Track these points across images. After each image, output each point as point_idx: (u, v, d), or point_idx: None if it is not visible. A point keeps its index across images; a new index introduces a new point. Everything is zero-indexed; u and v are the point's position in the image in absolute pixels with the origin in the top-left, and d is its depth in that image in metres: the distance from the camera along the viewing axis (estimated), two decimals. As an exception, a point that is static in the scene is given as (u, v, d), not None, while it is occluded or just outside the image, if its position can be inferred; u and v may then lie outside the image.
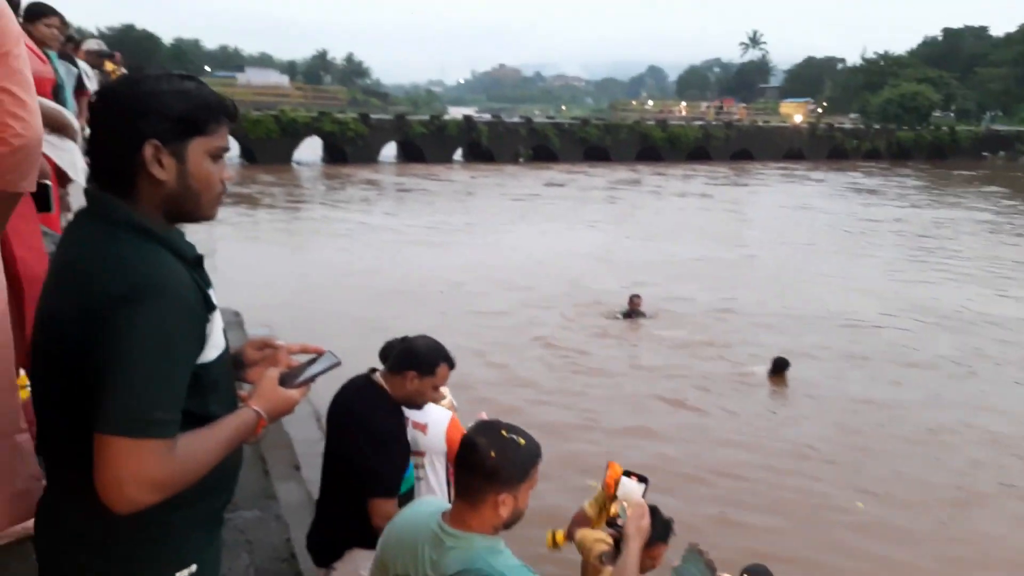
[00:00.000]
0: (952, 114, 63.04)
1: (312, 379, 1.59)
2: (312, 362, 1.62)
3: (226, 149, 1.46)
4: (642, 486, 2.41)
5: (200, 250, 1.45)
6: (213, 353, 1.42)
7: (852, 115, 61.83)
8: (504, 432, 1.80)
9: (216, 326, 1.43)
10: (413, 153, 34.93)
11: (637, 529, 2.15)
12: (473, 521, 1.78)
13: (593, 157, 37.88)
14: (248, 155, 31.25)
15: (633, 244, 16.07)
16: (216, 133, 1.41)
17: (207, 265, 1.48)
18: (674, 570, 2.90)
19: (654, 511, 2.53)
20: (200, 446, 1.35)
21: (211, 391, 1.41)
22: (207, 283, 1.44)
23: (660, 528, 2.48)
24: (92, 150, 1.39)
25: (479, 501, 1.76)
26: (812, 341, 9.40)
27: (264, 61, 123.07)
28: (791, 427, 7.04)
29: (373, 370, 2.76)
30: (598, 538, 2.68)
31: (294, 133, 31.85)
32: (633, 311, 10.26)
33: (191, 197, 1.40)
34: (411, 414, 2.83)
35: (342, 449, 2.66)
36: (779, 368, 7.98)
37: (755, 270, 13.78)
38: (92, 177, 1.42)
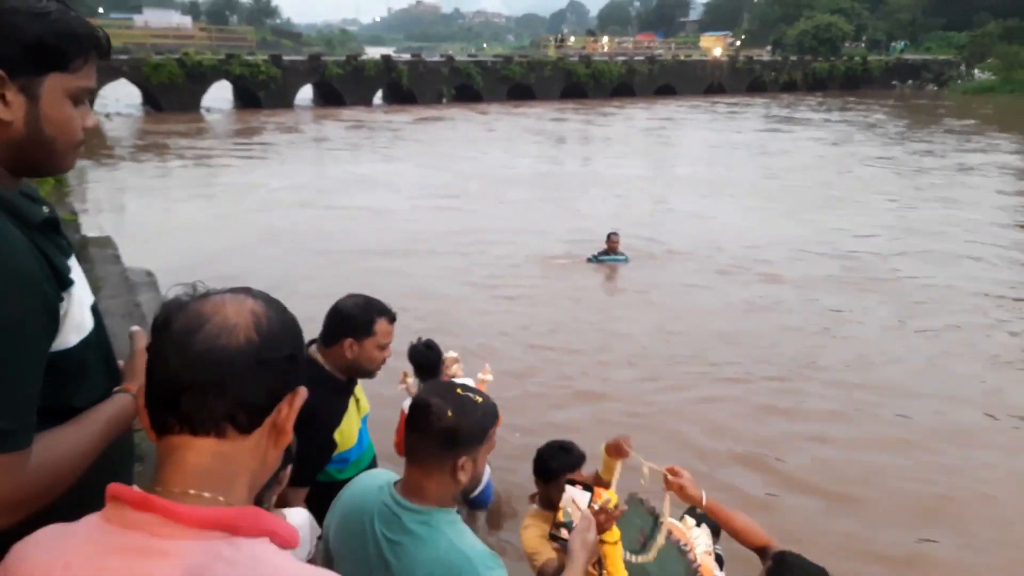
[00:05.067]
0: (863, 44, 64.64)
1: None
2: None
3: (91, 91, 1.21)
4: (586, 494, 2.24)
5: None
6: (73, 338, 1.19)
7: (768, 47, 62.65)
8: (460, 390, 1.65)
9: (77, 305, 1.20)
10: (331, 96, 33.53)
11: (583, 544, 1.97)
12: (430, 491, 1.61)
13: (517, 96, 37.26)
14: (152, 103, 29.33)
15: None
16: (81, 71, 1.16)
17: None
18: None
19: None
20: (64, 447, 1.14)
21: (75, 382, 1.20)
22: (63, 251, 1.20)
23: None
24: None
25: (437, 467, 1.60)
26: None
27: (163, 1, 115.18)
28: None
29: (308, 343, 2.50)
30: (536, 550, 2.58)
31: (200, 77, 29.96)
32: (611, 251, 9.53)
33: (43, 145, 1.15)
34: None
35: None
36: None
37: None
38: None
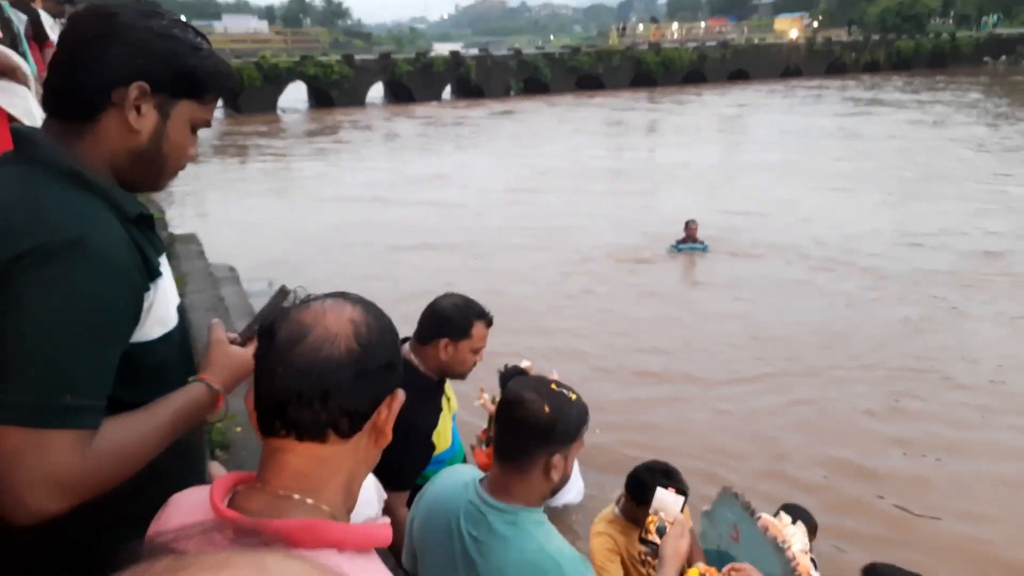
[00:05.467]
0: (951, 20, 61.19)
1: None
2: (266, 306, 1.41)
3: (207, 124, 1.31)
4: (680, 499, 2.11)
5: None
6: (156, 331, 1.21)
7: (845, 27, 60.04)
8: (554, 386, 1.59)
9: (163, 299, 1.22)
10: (401, 93, 33.94)
11: (675, 551, 1.90)
12: (519, 490, 1.56)
13: (586, 86, 36.83)
14: (232, 104, 30.35)
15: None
16: (208, 105, 1.28)
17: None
18: (705, 514, 2.76)
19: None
20: (130, 432, 1.13)
21: (152, 377, 1.20)
22: (156, 248, 1.24)
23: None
24: (57, 71, 1.18)
25: (529, 465, 1.54)
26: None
27: (241, 7, 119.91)
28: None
29: (402, 341, 2.36)
30: (604, 567, 2.61)
31: (276, 79, 30.84)
32: (690, 238, 9.40)
33: (156, 162, 1.23)
34: None
35: None
36: None
37: None
38: (45, 105, 1.21)
